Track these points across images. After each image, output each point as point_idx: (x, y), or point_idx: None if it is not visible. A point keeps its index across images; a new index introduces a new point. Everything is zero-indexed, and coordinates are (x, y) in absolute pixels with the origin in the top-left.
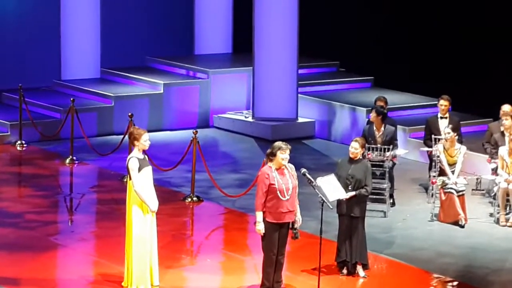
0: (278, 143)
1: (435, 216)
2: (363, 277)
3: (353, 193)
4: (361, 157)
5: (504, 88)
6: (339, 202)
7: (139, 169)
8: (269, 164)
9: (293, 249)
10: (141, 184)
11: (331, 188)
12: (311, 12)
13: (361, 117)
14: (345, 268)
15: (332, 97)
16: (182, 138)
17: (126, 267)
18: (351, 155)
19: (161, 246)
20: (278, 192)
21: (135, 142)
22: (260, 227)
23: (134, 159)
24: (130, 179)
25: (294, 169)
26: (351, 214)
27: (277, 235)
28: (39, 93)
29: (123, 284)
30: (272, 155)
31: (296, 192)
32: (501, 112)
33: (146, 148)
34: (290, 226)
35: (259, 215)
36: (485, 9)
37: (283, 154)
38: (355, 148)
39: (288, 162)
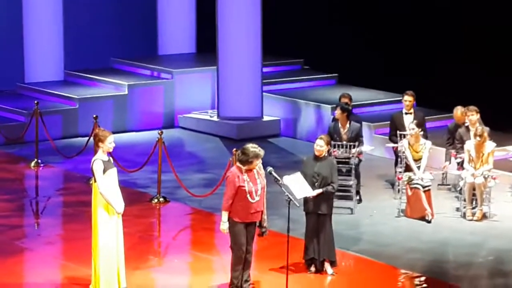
0: (253, 151)
1: (402, 212)
2: (331, 274)
3: (320, 190)
4: (326, 155)
5: (468, 83)
6: (306, 200)
7: (104, 171)
8: (239, 164)
9: (260, 248)
10: (106, 186)
11: (298, 186)
12: (274, 10)
13: (326, 114)
14: (313, 265)
15: (297, 95)
16: (148, 139)
17: (93, 269)
18: (316, 153)
19: (128, 247)
20: (247, 194)
21: (100, 144)
22: (225, 227)
23: (98, 161)
24: (95, 181)
25: (262, 167)
26: (318, 212)
27: (245, 234)
28: (2, 97)
29: (90, 286)
30: (248, 163)
31: (265, 191)
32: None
33: (111, 150)
34: (258, 224)
35: (225, 215)
36: (449, 5)
37: (259, 161)
38: (320, 145)
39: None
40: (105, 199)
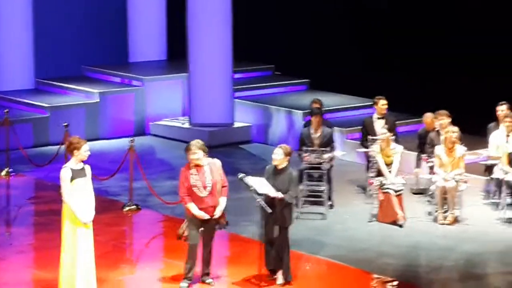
0: (188, 144)
1: (374, 217)
2: (280, 284)
3: (281, 194)
4: (286, 165)
5: (438, 86)
6: (265, 211)
7: (72, 179)
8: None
9: (233, 253)
10: (72, 194)
11: (261, 184)
12: (244, 16)
13: (297, 120)
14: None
15: (268, 101)
16: (119, 146)
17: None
18: (273, 163)
19: (100, 256)
20: (193, 189)
21: (75, 152)
22: (200, 214)
23: (67, 169)
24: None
25: (218, 165)
26: (276, 223)
27: (199, 228)
28: None
29: None
30: (188, 157)
31: (218, 188)
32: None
33: (85, 158)
34: (215, 224)
35: (191, 206)
36: (417, 9)
37: (190, 155)
38: (276, 154)
39: (213, 161)
40: (70, 208)
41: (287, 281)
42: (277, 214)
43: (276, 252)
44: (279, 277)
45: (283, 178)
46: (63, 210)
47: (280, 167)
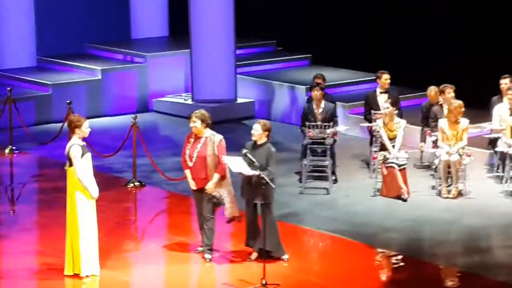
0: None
1: (378, 191)
2: (250, 260)
3: (257, 172)
4: (265, 141)
5: (442, 62)
6: (243, 188)
7: (82, 156)
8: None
9: (236, 231)
10: (83, 170)
11: (236, 163)
12: None
13: (300, 95)
14: (254, 253)
15: (271, 76)
16: (122, 123)
17: (70, 255)
18: (252, 138)
19: (104, 232)
20: (185, 156)
21: (76, 130)
22: (189, 181)
23: (76, 146)
24: (71, 165)
25: (216, 140)
26: (254, 201)
27: (198, 200)
28: None
29: (65, 273)
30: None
31: (208, 162)
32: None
33: (87, 135)
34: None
35: (186, 172)
36: None
37: (190, 123)
38: (255, 129)
39: (214, 136)
40: (82, 184)
41: (281, 258)
42: (258, 191)
43: (261, 232)
44: (254, 254)
45: (261, 153)
46: (70, 186)
47: (259, 142)
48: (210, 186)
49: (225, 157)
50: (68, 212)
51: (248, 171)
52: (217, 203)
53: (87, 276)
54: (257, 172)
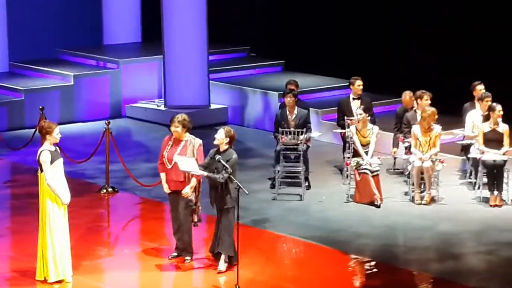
0: (173, 116)
1: (351, 197)
2: (219, 271)
3: (204, 173)
4: (227, 148)
5: (414, 67)
6: (210, 194)
7: (52, 162)
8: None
9: (210, 235)
10: (54, 176)
11: (186, 163)
12: None
13: (273, 101)
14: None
15: (244, 82)
16: (95, 129)
17: (41, 260)
18: (214, 142)
19: (76, 239)
20: (163, 159)
21: (48, 136)
22: (164, 184)
23: (46, 151)
24: (42, 171)
25: (196, 144)
26: (217, 206)
27: (174, 204)
28: None
29: (37, 278)
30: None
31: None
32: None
33: (57, 141)
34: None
35: (161, 175)
36: None
37: (171, 127)
38: (218, 135)
39: (194, 140)
40: (52, 190)
41: (231, 264)
42: (215, 196)
43: (218, 235)
44: (221, 263)
45: (224, 159)
46: (42, 192)
47: (222, 148)
48: (187, 190)
49: (176, 156)
50: (40, 218)
51: (196, 170)
52: (192, 207)
53: (57, 281)
54: (205, 173)
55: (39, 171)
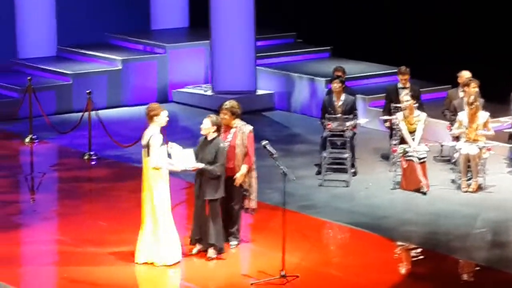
0: (221, 104)
1: (397, 184)
2: (209, 257)
3: (201, 165)
4: (215, 136)
5: (461, 55)
6: (195, 185)
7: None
8: None
9: (256, 220)
10: (158, 160)
11: (182, 157)
12: None
13: (320, 87)
14: (197, 245)
15: (291, 68)
16: (141, 114)
17: (151, 244)
18: (201, 132)
19: (127, 223)
20: None
21: (155, 118)
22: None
23: (157, 135)
24: (148, 155)
25: (246, 131)
26: (203, 197)
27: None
28: None
29: (137, 261)
30: None
31: (237, 152)
32: (460, 79)
33: (165, 124)
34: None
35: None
36: None
37: (220, 115)
38: (204, 124)
39: (244, 127)
40: (160, 169)
41: (219, 253)
42: (203, 187)
43: (209, 227)
44: (210, 252)
45: (210, 149)
46: (148, 176)
47: (209, 138)
48: (238, 177)
49: (172, 144)
50: (143, 198)
51: (192, 163)
52: (244, 194)
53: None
54: (200, 165)
55: (144, 155)
